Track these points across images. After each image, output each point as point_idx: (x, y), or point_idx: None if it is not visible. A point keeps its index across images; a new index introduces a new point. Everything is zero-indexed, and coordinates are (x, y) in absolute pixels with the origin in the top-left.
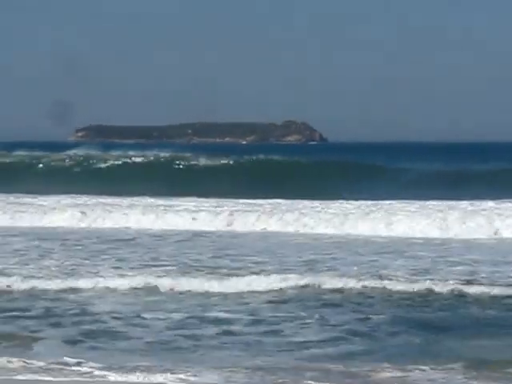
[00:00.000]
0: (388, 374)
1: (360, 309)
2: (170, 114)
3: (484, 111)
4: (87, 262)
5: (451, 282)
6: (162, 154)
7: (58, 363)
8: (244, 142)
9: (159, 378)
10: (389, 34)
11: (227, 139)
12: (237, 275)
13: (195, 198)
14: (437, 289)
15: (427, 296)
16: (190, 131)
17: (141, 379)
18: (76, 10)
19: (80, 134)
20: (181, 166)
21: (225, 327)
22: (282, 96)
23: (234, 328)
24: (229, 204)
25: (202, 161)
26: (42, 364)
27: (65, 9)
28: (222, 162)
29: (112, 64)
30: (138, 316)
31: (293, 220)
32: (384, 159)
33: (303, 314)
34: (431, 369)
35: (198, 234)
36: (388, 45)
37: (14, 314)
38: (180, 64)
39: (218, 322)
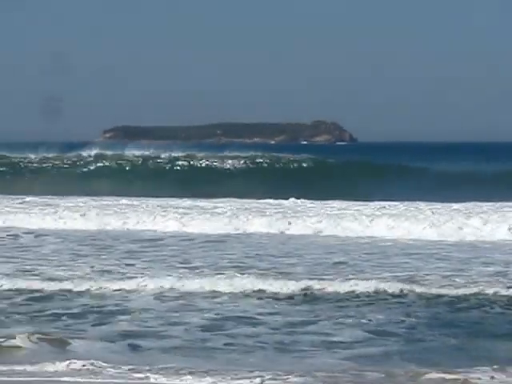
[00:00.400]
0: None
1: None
2: (199, 115)
3: None
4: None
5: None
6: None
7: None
8: (273, 142)
9: (208, 380)
10: (419, 34)
11: (256, 139)
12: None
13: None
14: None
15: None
16: (218, 132)
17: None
18: (104, 10)
19: (107, 135)
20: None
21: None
22: (312, 96)
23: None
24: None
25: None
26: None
27: (89, 11)
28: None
29: (139, 64)
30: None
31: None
32: (410, 159)
33: (339, 314)
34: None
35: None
36: (417, 44)
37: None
38: (208, 64)
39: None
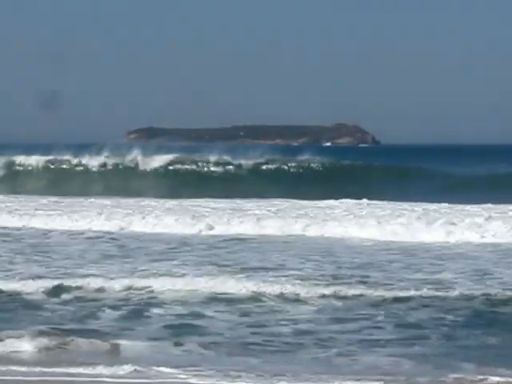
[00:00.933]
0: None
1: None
2: (221, 116)
3: None
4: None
5: None
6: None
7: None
8: (295, 144)
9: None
10: (440, 36)
11: (278, 141)
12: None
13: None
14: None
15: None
16: (241, 133)
17: None
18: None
19: (132, 136)
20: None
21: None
22: (335, 98)
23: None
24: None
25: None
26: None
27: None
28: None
29: (163, 66)
30: None
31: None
32: (429, 162)
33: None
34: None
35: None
36: (439, 46)
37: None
38: (229, 65)
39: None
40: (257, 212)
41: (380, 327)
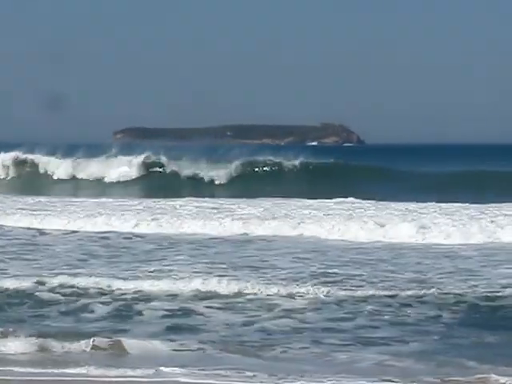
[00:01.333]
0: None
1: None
2: (207, 116)
3: None
4: None
5: None
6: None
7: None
8: (282, 144)
9: None
10: (425, 36)
11: (265, 140)
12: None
13: None
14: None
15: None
16: (228, 133)
17: None
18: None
19: (119, 136)
20: None
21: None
22: (321, 98)
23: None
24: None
25: None
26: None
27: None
28: None
29: (148, 66)
30: None
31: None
32: (408, 162)
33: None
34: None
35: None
36: (425, 46)
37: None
38: (217, 65)
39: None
40: (244, 212)
41: (375, 325)
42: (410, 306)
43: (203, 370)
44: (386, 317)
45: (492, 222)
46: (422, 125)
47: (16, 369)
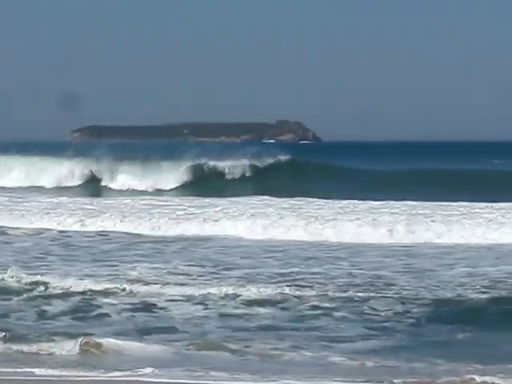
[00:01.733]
0: None
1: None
2: (167, 114)
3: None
4: None
5: None
6: None
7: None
8: (238, 141)
9: None
10: (381, 31)
11: (222, 138)
12: None
13: None
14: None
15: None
16: (185, 131)
17: None
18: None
19: (76, 135)
20: None
21: None
22: (278, 95)
23: None
24: None
25: None
26: None
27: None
28: None
29: (107, 63)
30: None
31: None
32: (358, 160)
33: None
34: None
35: None
36: (381, 46)
37: None
38: (176, 64)
39: None
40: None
41: (340, 324)
42: (366, 304)
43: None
44: (347, 315)
45: (433, 221)
46: (382, 123)
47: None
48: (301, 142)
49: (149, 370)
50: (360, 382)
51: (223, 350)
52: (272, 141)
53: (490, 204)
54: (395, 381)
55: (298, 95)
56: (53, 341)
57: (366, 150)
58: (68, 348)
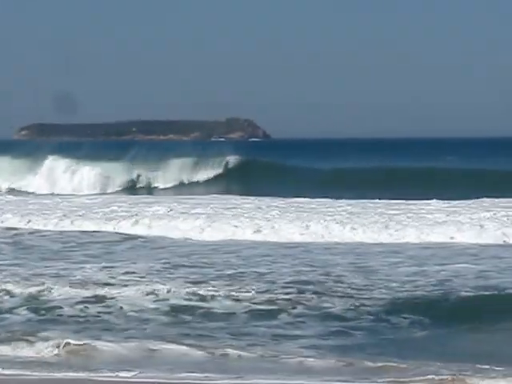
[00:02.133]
0: None
1: None
2: (115, 112)
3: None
4: None
5: None
6: None
7: None
8: (187, 139)
9: None
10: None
11: (170, 136)
12: None
13: None
14: None
15: None
16: (134, 129)
17: None
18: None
19: (23, 133)
20: None
21: None
22: (228, 93)
23: None
24: None
25: None
26: None
27: None
28: None
29: (56, 62)
30: None
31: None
32: (304, 157)
33: None
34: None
35: None
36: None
37: None
38: (124, 61)
39: None
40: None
41: (296, 322)
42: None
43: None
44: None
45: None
46: (336, 120)
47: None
48: (250, 140)
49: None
50: (319, 380)
51: (188, 347)
52: (222, 139)
53: (432, 201)
54: (359, 379)
55: (250, 93)
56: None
57: (315, 147)
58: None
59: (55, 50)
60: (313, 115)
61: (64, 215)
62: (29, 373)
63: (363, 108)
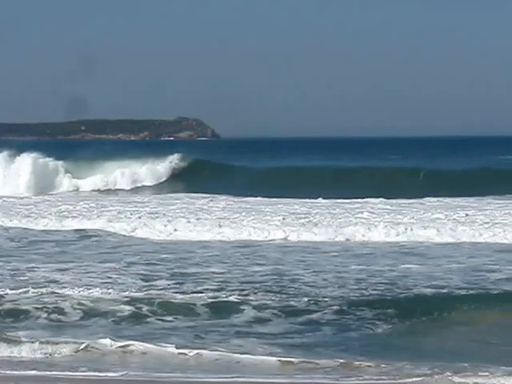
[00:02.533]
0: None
1: None
2: (61, 111)
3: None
4: None
5: None
6: None
7: None
8: (136, 138)
9: None
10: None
11: (120, 135)
12: None
13: None
14: None
15: None
16: (83, 128)
17: None
18: None
19: None
20: None
21: None
22: (178, 92)
23: None
24: None
25: None
26: None
27: None
28: None
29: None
30: None
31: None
32: (248, 157)
33: None
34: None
35: None
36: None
37: None
38: (71, 60)
39: None
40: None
41: (258, 321)
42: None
43: None
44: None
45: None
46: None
47: None
48: (198, 139)
49: None
50: (286, 379)
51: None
52: (172, 138)
53: (382, 200)
54: (328, 376)
55: (199, 92)
56: None
57: (265, 147)
58: None
59: None
60: (264, 115)
61: None
62: None
63: (317, 106)
